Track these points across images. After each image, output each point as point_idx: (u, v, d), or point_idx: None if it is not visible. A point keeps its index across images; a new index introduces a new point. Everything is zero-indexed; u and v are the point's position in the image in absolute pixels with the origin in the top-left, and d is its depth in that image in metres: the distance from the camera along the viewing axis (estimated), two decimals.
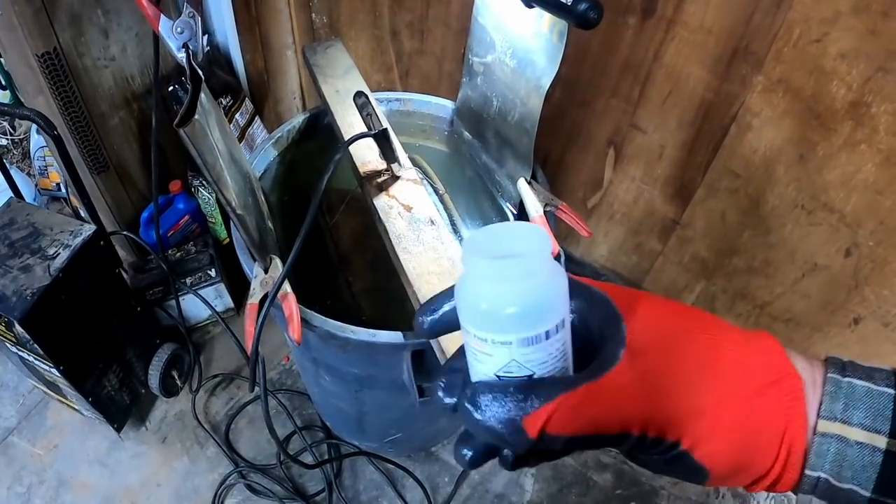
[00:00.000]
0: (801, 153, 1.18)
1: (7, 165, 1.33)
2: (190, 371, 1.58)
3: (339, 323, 1.00)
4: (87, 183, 1.47)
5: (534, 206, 1.12)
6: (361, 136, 1.02)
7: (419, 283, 0.98)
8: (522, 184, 1.15)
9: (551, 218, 1.14)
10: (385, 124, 1.05)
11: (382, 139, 1.02)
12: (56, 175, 1.81)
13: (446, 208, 1.20)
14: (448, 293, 0.42)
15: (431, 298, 0.43)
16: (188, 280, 1.56)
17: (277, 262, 1.01)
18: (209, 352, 1.66)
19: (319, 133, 1.32)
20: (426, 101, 1.33)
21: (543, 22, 1.01)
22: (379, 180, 1.10)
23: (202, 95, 0.88)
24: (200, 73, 0.92)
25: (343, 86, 1.27)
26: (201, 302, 1.58)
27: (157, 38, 1.01)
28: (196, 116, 0.83)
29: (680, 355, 0.37)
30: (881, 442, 0.35)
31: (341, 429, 1.48)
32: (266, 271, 1.01)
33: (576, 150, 1.52)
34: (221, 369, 1.61)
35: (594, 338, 0.38)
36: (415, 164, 1.29)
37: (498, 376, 0.35)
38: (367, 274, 1.20)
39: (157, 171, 1.29)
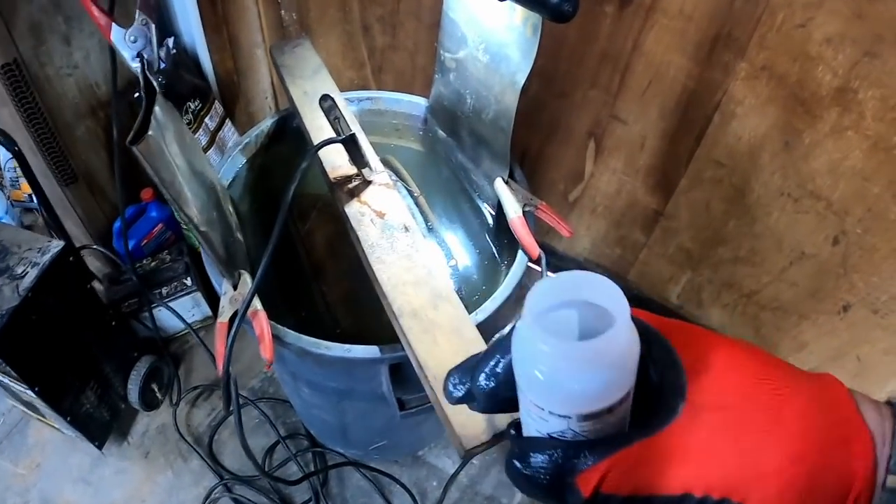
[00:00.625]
0: (786, 140, 1.14)
1: None
2: (170, 383, 1.52)
3: (312, 339, 0.94)
4: (55, 195, 1.40)
5: (512, 207, 1.06)
6: (328, 142, 0.95)
7: (394, 293, 0.91)
8: (500, 184, 1.08)
9: (530, 218, 1.07)
10: (354, 128, 0.98)
11: (351, 144, 0.95)
12: (27, 186, 1.72)
13: (421, 211, 1.14)
14: (490, 356, 0.37)
15: (473, 361, 0.38)
16: (164, 290, 1.49)
17: (246, 277, 0.95)
18: (189, 361, 1.59)
19: (290, 136, 1.24)
20: (397, 100, 1.26)
21: (516, 15, 0.95)
22: (350, 186, 1.03)
23: (157, 109, 0.81)
24: (155, 84, 0.85)
25: (311, 87, 1.19)
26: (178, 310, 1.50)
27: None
28: (150, 132, 0.76)
29: (744, 410, 0.34)
30: None
31: (325, 437, 1.43)
32: (235, 287, 0.95)
33: (555, 143, 1.46)
34: (202, 379, 1.54)
35: (653, 381, 0.34)
36: (388, 165, 1.22)
37: (550, 435, 0.33)
38: (342, 282, 1.14)
39: (121, 184, 1.22)
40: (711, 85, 1.17)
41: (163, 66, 1.44)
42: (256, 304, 0.92)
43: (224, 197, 1.08)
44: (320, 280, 1.13)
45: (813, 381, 0.36)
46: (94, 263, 1.60)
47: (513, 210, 1.05)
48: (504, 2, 0.94)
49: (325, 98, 0.95)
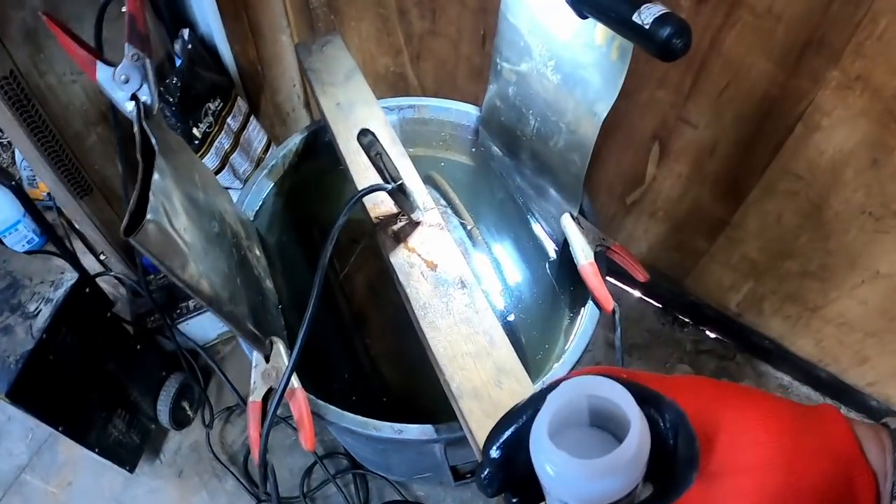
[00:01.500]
0: (874, 157, 1.01)
1: None
2: (201, 399, 1.39)
3: (359, 418, 0.79)
4: (70, 207, 1.24)
5: (582, 250, 0.88)
6: (369, 190, 0.77)
7: (451, 367, 0.76)
8: (568, 220, 0.90)
9: (601, 260, 0.90)
10: (402, 170, 0.80)
11: (398, 193, 0.78)
12: (45, 185, 1.56)
13: (475, 245, 0.96)
14: (502, 428, 0.37)
15: (499, 437, 0.37)
16: (190, 303, 1.34)
17: (280, 347, 0.79)
18: (228, 371, 1.45)
19: (321, 152, 1.07)
20: (445, 108, 1.07)
21: (597, 32, 0.75)
22: (395, 227, 0.86)
23: (156, 177, 0.63)
24: (154, 140, 0.67)
25: (345, 96, 1.01)
26: (206, 323, 1.36)
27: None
28: (149, 217, 0.59)
29: (755, 475, 0.34)
30: None
31: (367, 462, 1.30)
32: (267, 359, 0.79)
33: (615, 143, 1.27)
34: (237, 390, 1.41)
35: (667, 446, 0.35)
36: (433, 184, 1.05)
37: None
38: (388, 332, 0.98)
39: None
40: (797, 93, 1.02)
41: (178, 63, 1.26)
42: (294, 381, 0.77)
43: (250, 240, 0.91)
44: (363, 331, 0.97)
45: (816, 421, 0.37)
46: (117, 267, 1.46)
47: (583, 255, 0.88)
48: (586, 20, 0.74)
49: (364, 133, 0.77)
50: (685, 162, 1.21)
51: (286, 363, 0.79)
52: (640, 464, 0.31)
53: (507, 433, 0.36)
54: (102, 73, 0.70)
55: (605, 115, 0.78)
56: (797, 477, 0.34)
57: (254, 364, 0.80)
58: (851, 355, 1.32)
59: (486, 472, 0.37)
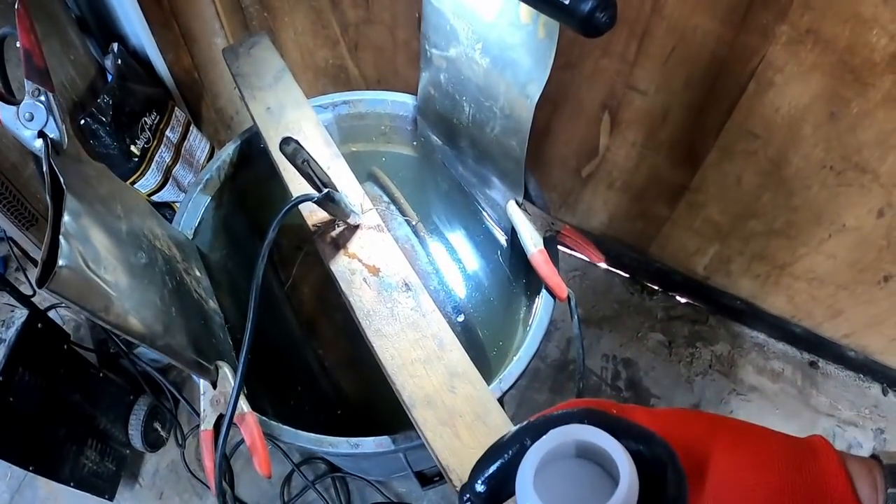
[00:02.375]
0: (831, 111, 0.97)
1: None
2: (173, 418, 1.33)
3: (313, 436, 0.75)
4: (19, 239, 1.18)
5: (531, 237, 0.83)
6: (295, 203, 0.72)
7: (401, 375, 0.72)
8: (514, 208, 0.85)
9: (552, 246, 0.85)
10: (332, 174, 0.74)
11: (326, 201, 0.72)
12: None
13: (421, 242, 0.91)
14: (486, 463, 0.36)
15: (483, 472, 0.36)
16: None
17: (226, 371, 0.75)
18: (192, 389, 1.39)
19: (257, 158, 1.01)
20: (381, 100, 1.01)
21: (522, 10, 0.69)
22: (333, 234, 0.81)
23: (66, 218, 0.57)
24: (62, 180, 0.61)
25: (275, 99, 0.95)
26: None
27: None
28: (60, 262, 0.53)
29: None
30: None
31: (343, 467, 1.25)
32: (214, 385, 0.74)
33: (564, 117, 1.21)
34: (196, 412, 1.35)
35: (656, 483, 0.33)
36: (375, 181, 0.99)
37: None
38: (339, 340, 0.93)
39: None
40: (746, 51, 0.97)
41: (109, 79, 1.18)
42: (243, 405, 0.72)
43: (188, 261, 0.86)
44: (314, 341, 0.92)
45: (807, 457, 0.37)
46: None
47: (532, 243, 0.83)
48: None
49: (286, 141, 0.71)
50: (638, 130, 1.16)
51: (233, 389, 0.73)
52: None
53: (492, 469, 0.36)
54: (5, 112, 0.66)
55: (537, 96, 0.73)
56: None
57: (202, 391, 0.75)
58: (825, 309, 1.29)
59: None
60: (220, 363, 0.76)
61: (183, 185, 1.26)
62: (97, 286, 0.58)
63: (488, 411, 0.69)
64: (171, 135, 1.23)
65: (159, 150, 1.20)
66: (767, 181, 1.12)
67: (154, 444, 1.29)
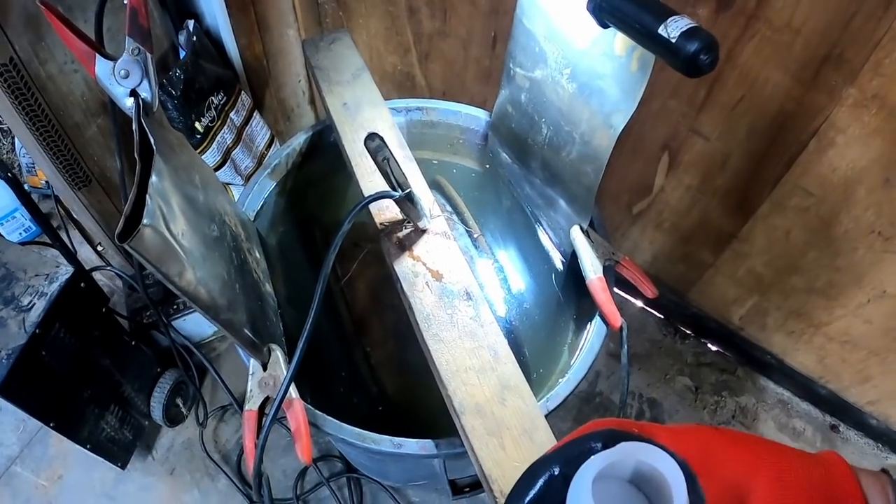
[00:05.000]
0: (887, 177, 0.98)
1: None
2: (195, 396, 1.35)
3: (357, 430, 0.76)
4: (68, 199, 1.20)
5: (591, 264, 0.85)
6: (375, 197, 0.74)
7: (454, 382, 0.73)
8: (577, 233, 0.87)
9: (610, 274, 0.87)
10: (407, 176, 0.76)
11: (405, 201, 0.74)
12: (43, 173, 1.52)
13: (481, 255, 0.93)
14: (527, 486, 0.37)
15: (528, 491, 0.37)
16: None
17: (279, 355, 0.76)
18: (217, 369, 1.41)
19: (325, 151, 1.03)
20: (454, 111, 1.04)
21: (617, 42, 0.72)
22: (400, 235, 0.83)
23: (153, 178, 0.59)
24: (153, 140, 0.63)
25: (352, 96, 0.97)
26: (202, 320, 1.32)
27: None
28: (145, 221, 0.55)
29: None
30: None
31: (362, 467, 1.26)
32: (265, 367, 0.76)
33: (624, 151, 1.23)
34: (231, 388, 1.37)
35: None
36: (439, 189, 1.01)
37: None
38: (388, 340, 0.94)
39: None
40: (812, 108, 0.99)
41: (182, 55, 1.22)
42: (292, 391, 0.74)
43: (250, 242, 0.87)
44: (363, 338, 0.94)
45: (823, 472, 0.38)
46: (114, 259, 1.42)
47: (592, 269, 0.85)
48: (607, 29, 0.71)
49: (371, 137, 0.73)
50: (695, 174, 1.18)
51: (284, 372, 0.75)
52: None
53: (536, 488, 0.36)
54: (101, 67, 0.66)
55: (621, 127, 0.75)
56: None
57: (251, 371, 0.76)
58: (854, 373, 1.29)
59: None
60: (272, 346, 0.77)
61: (240, 168, 1.29)
62: (174, 250, 0.60)
63: (536, 427, 0.71)
64: (235, 117, 1.26)
65: (222, 131, 1.23)
66: (815, 239, 1.13)
67: (174, 419, 1.31)
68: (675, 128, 1.13)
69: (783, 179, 1.09)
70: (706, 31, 0.62)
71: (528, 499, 0.36)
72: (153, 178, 0.60)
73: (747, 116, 1.05)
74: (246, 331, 0.73)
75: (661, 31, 0.62)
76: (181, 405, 1.31)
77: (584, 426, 0.41)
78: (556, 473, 0.36)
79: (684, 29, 0.62)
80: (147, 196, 0.57)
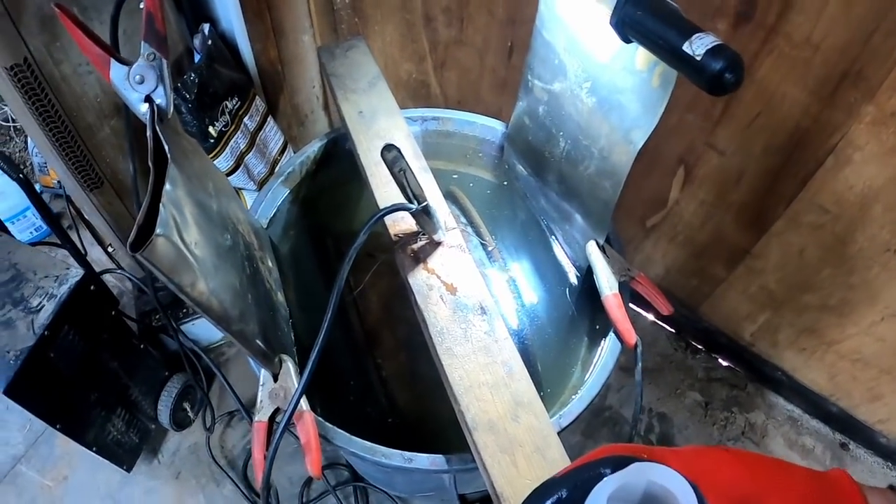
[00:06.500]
0: None
1: None
2: (203, 401, 1.34)
3: (367, 444, 0.75)
4: (79, 199, 1.20)
5: (607, 280, 0.84)
6: (392, 210, 0.72)
7: (467, 397, 0.71)
8: (593, 248, 0.86)
9: (625, 291, 0.85)
10: (427, 191, 0.75)
11: (422, 213, 0.73)
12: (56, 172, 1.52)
13: (495, 267, 0.91)
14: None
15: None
16: None
17: (290, 366, 0.75)
18: (230, 373, 1.40)
19: (339, 159, 1.02)
20: (470, 122, 1.02)
21: (639, 56, 0.70)
22: (414, 247, 0.81)
23: (167, 186, 0.58)
24: (167, 148, 0.62)
25: (368, 104, 0.96)
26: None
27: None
28: (158, 230, 0.54)
29: None
30: None
31: (369, 477, 1.24)
32: (276, 378, 0.75)
33: (639, 165, 1.18)
34: (240, 394, 1.36)
35: None
36: (453, 200, 1.00)
37: None
38: (400, 353, 0.93)
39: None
40: (829, 126, 0.98)
41: (197, 59, 1.21)
42: (302, 404, 0.72)
43: (263, 250, 0.86)
44: (375, 350, 0.92)
45: (832, 491, 0.39)
46: (124, 260, 1.41)
47: (607, 285, 0.83)
48: (630, 44, 0.69)
49: (388, 148, 0.72)
50: (710, 188, 1.16)
51: (295, 384, 0.74)
52: None
53: None
54: (116, 72, 0.65)
55: (641, 144, 0.73)
56: None
57: (261, 382, 0.75)
58: (864, 391, 1.28)
59: None
60: (283, 356, 0.76)
61: (253, 173, 1.28)
62: (187, 260, 0.59)
63: (548, 445, 0.69)
64: (249, 122, 1.25)
65: (235, 136, 1.22)
66: (830, 256, 1.12)
67: (181, 423, 1.30)
68: (691, 142, 1.12)
69: (799, 196, 1.08)
70: (731, 49, 0.61)
71: None
72: (167, 187, 0.59)
73: (764, 132, 1.04)
74: (257, 341, 0.72)
75: (686, 48, 0.61)
76: (188, 409, 1.30)
77: (595, 451, 0.41)
78: (563, 497, 0.36)
79: (710, 46, 0.61)
80: (160, 205, 0.56)
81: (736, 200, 1.15)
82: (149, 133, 0.64)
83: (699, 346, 1.47)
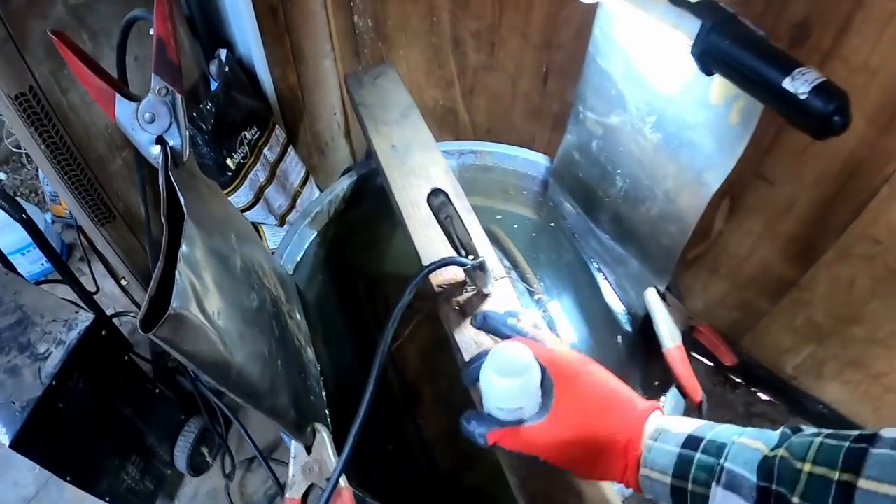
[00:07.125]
0: None
1: None
2: (223, 444, 1.23)
3: None
4: (91, 232, 1.10)
5: (668, 331, 0.74)
6: (444, 264, 0.63)
7: (522, 470, 0.62)
8: (653, 296, 0.76)
9: (688, 340, 0.76)
10: (473, 238, 0.66)
11: (475, 269, 0.64)
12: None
13: (543, 317, 0.82)
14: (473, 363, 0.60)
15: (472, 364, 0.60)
16: None
17: (324, 435, 0.66)
18: (244, 419, 1.29)
19: (369, 196, 0.93)
20: (511, 156, 0.94)
21: (714, 88, 0.62)
22: (460, 299, 0.72)
23: (184, 248, 0.49)
24: (183, 200, 0.52)
25: (401, 137, 0.86)
26: None
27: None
28: (175, 304, 0.44)
29: (584, 426, 0.52)
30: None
31: None
32: (309, 451, 0.65)
33: None
34: (259, 439, 1.25)
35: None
36: (493, 239, 0.90)
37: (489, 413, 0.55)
38: (442, 411, 0.82)
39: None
40: (885, 154, 0.90)
41: (214, 87, 1.12)
42: (340, 480, 0.63)
43: (290, 303, 0.77)
44: (414, 409, 0.82)
45: (640, 412, 0.52)
46: (137, 293, 1.31)
47: (670, 336, 0.74)
48: (712, 77, 0.60)
49: (435, 193, 0.63)
50: (757, 219, 1.08)
51: (331, 457, 0.65)
52: (532, 392, 0.53)
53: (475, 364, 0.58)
54: (122, 109, 0.54)
55: (717, 185, 0.65)
56: (597, 424, 0.52)
57: (293, 454, 0.66)
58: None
59: (468, 377, 0.59)
60: (317, 426, 0.67)
61: (273, 207, 1.19)
62: (208, 335, 0.49)
63: None
64: (269, 153, 1.16)
65: (255, 168, 1.12)
66: (880, 288, 1.03)
67: (198, 468, 1.20)
68: (738, 172, 1.01)
69: (850, 227, 0.99)
70: (838, 87, 0.52)
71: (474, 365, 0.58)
72: (183, 248, 0.49)
73: (817, 161, 0.96)
74: (291, 413, 0.62)
75: (787, 84, 0.52)
76: (206, 453, 1.21)
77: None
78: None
79: (815, 83, 0.52)
80: (176, 272, 0.46)
81: (784, 231, 1.07)
82: (161, 181, 0.54)
83: (738, 380, 1.38)
